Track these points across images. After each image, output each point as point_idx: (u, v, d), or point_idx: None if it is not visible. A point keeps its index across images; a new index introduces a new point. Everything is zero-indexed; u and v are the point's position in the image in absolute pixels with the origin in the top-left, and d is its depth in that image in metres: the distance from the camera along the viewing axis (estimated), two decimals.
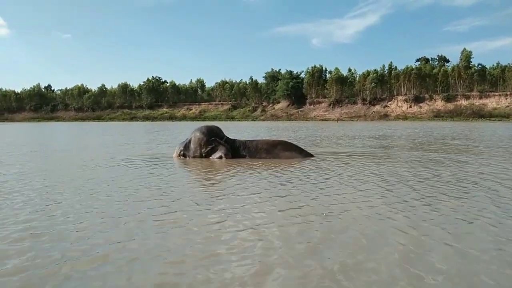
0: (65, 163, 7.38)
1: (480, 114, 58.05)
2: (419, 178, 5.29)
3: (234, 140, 7.98)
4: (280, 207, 3.71)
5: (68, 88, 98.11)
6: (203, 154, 7.69)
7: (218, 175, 5.72)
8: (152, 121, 76.18)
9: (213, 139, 7.70)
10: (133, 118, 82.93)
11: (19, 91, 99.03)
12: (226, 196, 4.23)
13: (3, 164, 7.15)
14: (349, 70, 77.94)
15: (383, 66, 74.25)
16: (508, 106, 59.56)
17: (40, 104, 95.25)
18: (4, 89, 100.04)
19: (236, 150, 7.73)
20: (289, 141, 9.01)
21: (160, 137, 16.49)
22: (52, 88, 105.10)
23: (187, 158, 7.81)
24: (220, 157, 7.48)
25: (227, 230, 3.00)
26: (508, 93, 61.82)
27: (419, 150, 9.74)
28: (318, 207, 3.70)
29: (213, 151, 7.66)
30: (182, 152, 7.92)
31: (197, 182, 5.32)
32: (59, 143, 14.25)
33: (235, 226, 3.12)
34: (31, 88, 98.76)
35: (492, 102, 61.66)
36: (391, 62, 74.22)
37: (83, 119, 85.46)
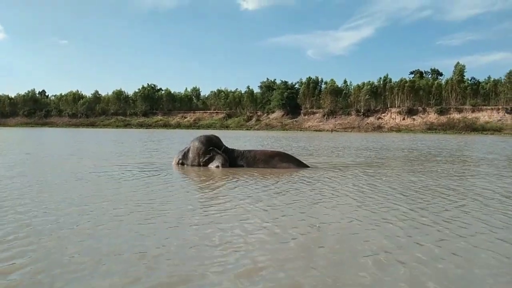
0: (62, 169, 7.42)
1: (473, 128, 58.70)
2: (412, 189, 5.41)
3: (232, 150, 8.11)
4: (273, 217, 3.79)
5: (62, 94, 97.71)
6: (201, 163, 7.81)
7: (212, 184, 5.79)
8: (146, 128, 75.99)
9: (211, 149, 7.83)
10: (127, 125, 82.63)
11: (13, 96, 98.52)
12: (219, 204, 4.31)
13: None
14: (344, 81, 78.61)
15: (379, 78, 74.94)
16: (500, 120, 60.30)
17: (34, 109, 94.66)
18: None
19: (234, 160, 7.84)
20: (286, 152, 9.13)
21: (159, 146, 16.51)
22: (47, 94, 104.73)
23: (185, 166, 7.93)
24: (217, 167, 7.59)
25: (218, 236, 3.08)
26: (500, 107, 62.59)
27: (413, 161, 9.89)
28: (311, 218, 3.79)
29: (210, 160, 7.78)
30: (180, 161, 8.06)
31: (191, 190, 5.39)
32: (57, 149, 14.24)
33: (226, 232, 3.22)
34: (25, 93, 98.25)
35: (484, 116, 62.38)
36: (387, 75, 74.73)
37: (76, 125, 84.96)
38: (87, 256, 2.62)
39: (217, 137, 8.21)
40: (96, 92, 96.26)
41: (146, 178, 6.28)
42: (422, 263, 2.58)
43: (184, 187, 5.54)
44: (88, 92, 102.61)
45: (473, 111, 64.14)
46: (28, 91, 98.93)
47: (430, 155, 12.52)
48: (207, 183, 5.99)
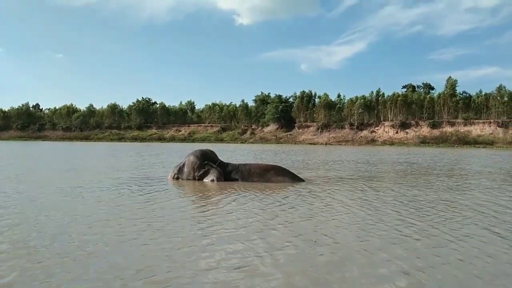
0: (59, 184, 7.47)
1: (465, 141, 59.29)
2: (405, 202, 5.53)
3: (227, 164, 8.20)
4: (268, 232, 3.88)
5: (56, 108, 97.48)
6: (196, 177, 7.89)
7: (207, 198, 5.88)
8: (140, 141, 75.83)
9: (205, 163, 7.91)
10: (121, 139, 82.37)
11: (6, 110, 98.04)
12: (211, 219, 4.39)
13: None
14: (338, 95, 79.31)
15: (372, 92, 75.71)
16: (491, 133, 61.00)
17: (28, 123, 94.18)
18: None
19: (229, 174, 7.92)
20: (281, 165, 9.22)
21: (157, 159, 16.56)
22: (41, 107, 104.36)
23: (180, 180, 8.00)
24: (212, 180, 7.67)
25: (211, 253, 3.17)
26: (492, 120, 63.38)
27: (412, 175, 10.04)
28: (308, 232, 3.89)
29: (205, 174, 7.87)
30: (176, 176, 8.13)
31: (187, 204, 5.48)
32: (53, 163, 14.24)
33: (220, 250, 3.26)
34: (19, 106, 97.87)
35: (476, 129, 63.09)
36: (379, 89, 75.62)
37: (70, 138, 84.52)
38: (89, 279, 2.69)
39: (212, 152, 8.31)
40: (91, 105, 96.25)
41: (144, 194, 6.34)
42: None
43: (180, 204, 5.62)
44: (82, 106, 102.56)
45: (465, 125, 64.87)
46: (22, 104, 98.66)
47: (428, 168, 12.69)
48: (203, 198, 6.07)
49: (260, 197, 5.93)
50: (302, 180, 8.12)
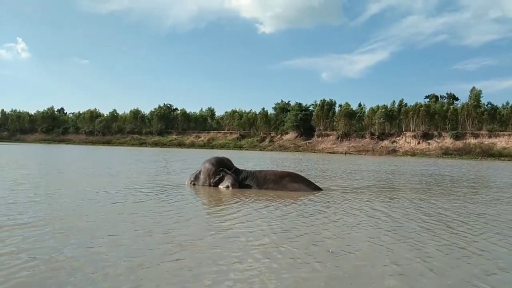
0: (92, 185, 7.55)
1: (489, 153, 57.75)
2: (425, 215, 5.33)
3: (242, 171, 8.16)
4: (282, 242, 3.79)
5: (80, 112, 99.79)
6: (212, 184, 7.87)
7: (219, 205, 5.82)
8: (161, 147, 76.73)
9: (221, 169, 7.90)
10: (142, 144, 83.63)
11: (32, 113, 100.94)
12: (224, 229, 4.32)
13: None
14: (359, 105, 78.54)
15: (394, 102, 74.70)
16: None
17: (52, 126, 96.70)
18: (19, 111, 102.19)
19: (244, 180, 7.87)
20: (298, 173, 9.10)
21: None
22: (65, 111, 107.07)
23: (197, 187, 8.01)
24: (227, 187, 7.62)
25: (223, 264, 3.09)
26: None
27: (427, 188, 9.76)
28: (324, 243, 3.78)
29: (220, 181, 7.85)
30: (192, 182, 8.16)
31: (200, 210, 5.43)
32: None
33: (232, 263, 3.18)
34: (44, 110, 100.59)
35: (501, 142, 61.36)
36: (402, 99, 74.48)
37: (93, 142, 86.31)
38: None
39: (227, 159, 8.31)
40: (114, 111, 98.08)
41: (162, 200, 6.34)
42: None
43: (197, 211, 5.58)
44: (105, 111, 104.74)
45: (489, 137, 63.20)
46: (47, 108, 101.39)
47: (462, 181, 12.31)
48: (218, 205, 6.02)
49: (275, 205, 5.83)
50: (319, 189, 7.98)
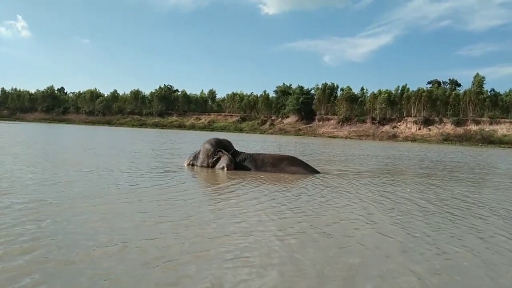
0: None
1: (490, 140, 57.63)
2: (422, 199, 5.33)
3: (241, 153, 8.17)
4: (280, 223, 3.78)
5: (81, 92, 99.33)
6: (210, 165, 7.91)
7: (214, 186, 5.81)
8: (161, 128, 76.69)
9: (218, 150, 7.93)
10: (142, 125, 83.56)
11: (33, 92, 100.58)
12: (221, 208, 4.31)
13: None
14: (361, 89, 78.08)
15: (397, 87, 74.09)
16: None
17: (52, 105, 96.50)
18: (19, 89, 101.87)
19: (243, 162, 7.89)
20: (296, 156, 9.09)
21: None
22: (65, 91, 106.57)
23: (195, 167, 8.04)
24: (223, 168, 7.64)
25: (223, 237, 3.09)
26: None
27: (426, 172, 9.76)
28: (321, 225, 3.77)
29: (217, 161, 7.89)
30: (191, 162, 8.22)
31: (200, 189, 5.42)
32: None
33: (230, 238, 3.20)
34: (44, 89, 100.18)
35: (502, 129, 61.16)
36: (406, 84, 73.87)
37: (93, 122, 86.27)
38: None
39: (228, 141, 8.37)
40: (115, 91, 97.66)
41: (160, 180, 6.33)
42: None
43: (195, 192, 5.58)
44: (105, 91, 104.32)
45: (491, 124, 63.00)
46: (47, 87, 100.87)
47: (468, 167, 12.30)
48: (214, 186, 6.02)
49: (271, 187, 5.82)
50: (317, 172, 7.98)
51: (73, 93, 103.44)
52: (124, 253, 2.64)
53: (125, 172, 6.67)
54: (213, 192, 5.46)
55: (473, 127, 63.05)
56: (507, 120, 62.63)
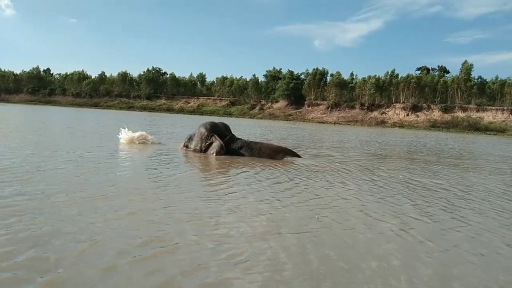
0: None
1: (476, 127, 58.38)
2: (411, 184, 5.46)
3: (238, 139, 8.16)
4: (268, 207, 3.85)
5: (67, 73, 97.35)
6: (203, 149, 7.91)
7: (207, 171, 5.86)
8: (149, 111, 75.86)
9: (212, 135, 7.90)
10: (130, 108, 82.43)
11: (18, 73, 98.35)
12: (210, 192, 4.37)
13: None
14: (351, 74, 78.06)
15: (386, 72, 74.24)
16: (504, 121, 59.98)
17: (38, 87, 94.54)
18: (3, 70, 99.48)
19: (239, 149, 7.88)
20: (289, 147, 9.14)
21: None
22: (51, 72, 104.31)
23: (189, 149, 8.11)
24: (213, 153, 7.64)
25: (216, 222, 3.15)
26: (505, 108, 62.21)
27: (413, 157, 9.93)
28: (312, 209, 3.85)
29: (209, 146, 7.88)
30: (186, 144, 8.30)
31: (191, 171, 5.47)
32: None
33: (223, 222, 3.26)
34: (30, 70, 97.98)
35: (488, 116, 62.02)
36: (394, 70, 74.03)
37: (80, 105, 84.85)
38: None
39: (225, 125, 8.33)
40: (102, 73, 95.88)
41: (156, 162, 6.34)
42: None
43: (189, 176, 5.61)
44: (93, 73, 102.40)
45: (477, 111, 63.79)
46: (32, 68, 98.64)
47: (455, 153, 12.52)
48: (210, 171, 6.06)
49: (260, 172, 5.89)
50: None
51: (59, 74, 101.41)
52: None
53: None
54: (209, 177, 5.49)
55: (460, 114, 63.73)
56: (493, 108, 63.47)
